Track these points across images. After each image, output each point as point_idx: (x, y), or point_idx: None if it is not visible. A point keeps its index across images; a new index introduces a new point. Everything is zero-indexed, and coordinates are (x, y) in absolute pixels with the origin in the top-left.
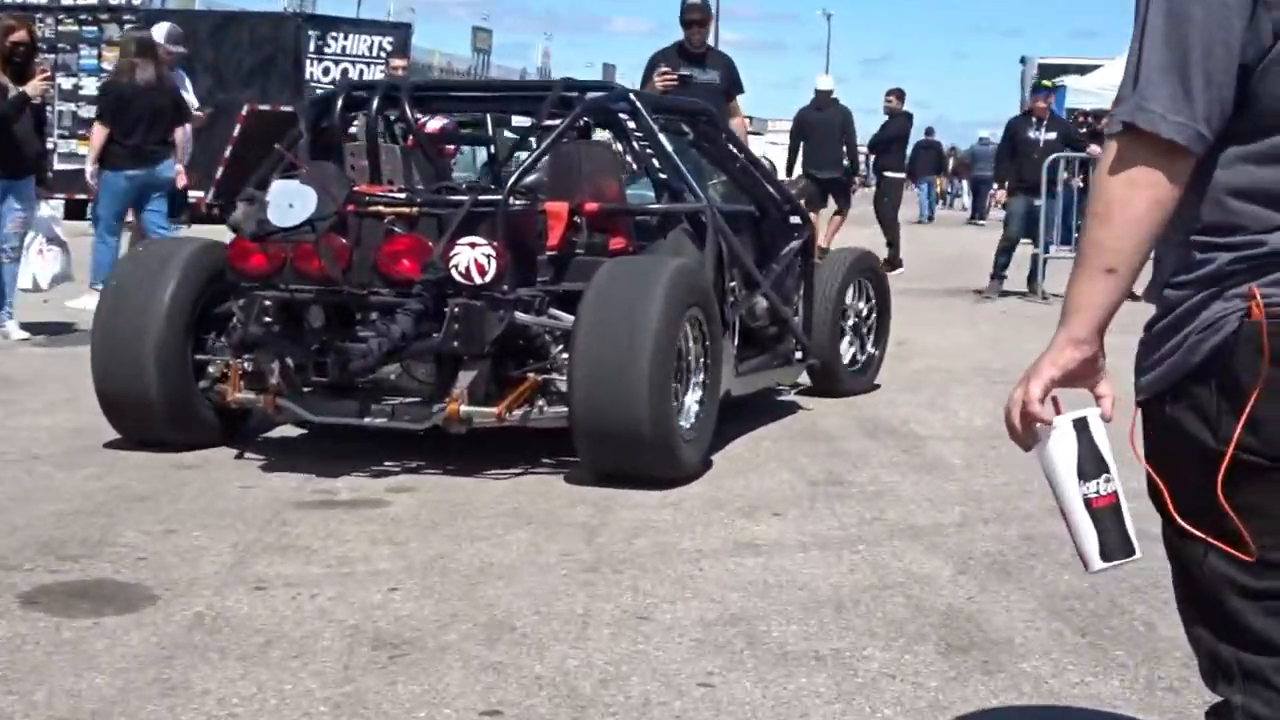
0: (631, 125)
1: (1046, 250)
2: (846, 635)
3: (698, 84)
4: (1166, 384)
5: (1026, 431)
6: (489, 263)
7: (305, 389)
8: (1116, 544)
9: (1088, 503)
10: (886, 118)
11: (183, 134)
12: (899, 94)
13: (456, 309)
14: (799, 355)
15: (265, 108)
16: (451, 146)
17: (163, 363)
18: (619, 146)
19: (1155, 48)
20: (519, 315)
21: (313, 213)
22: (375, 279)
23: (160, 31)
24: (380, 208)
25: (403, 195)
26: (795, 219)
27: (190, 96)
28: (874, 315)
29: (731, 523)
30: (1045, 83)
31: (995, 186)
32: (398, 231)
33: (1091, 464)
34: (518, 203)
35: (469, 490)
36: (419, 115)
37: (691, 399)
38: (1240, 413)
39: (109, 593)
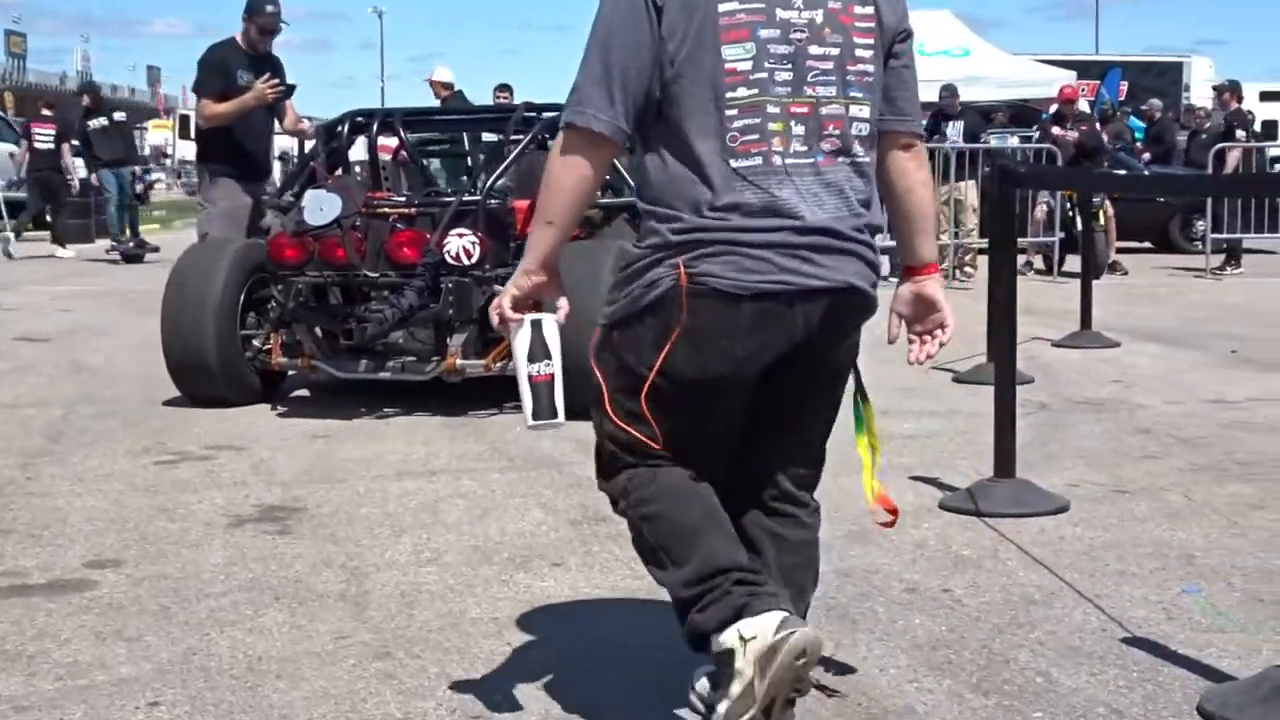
0: None
1: None
2: None
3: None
4: (618, 318)
5: (503, 327)
6: (474, 248)
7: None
8: (546, 410)
9: (531, 378)
10: None
11: None
12: (506, 88)
13: (450, 285)
14: None
15: None
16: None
17: (219, 336)
18: None
19: (589, 68)
20: (498, 288)
21: (339, 214)
22: (385, 264)
23: None
24: (387, 209)
25: (403, 199)
26: None
27: None
28: None
29: (511, 579)
30: None
31: None
32: (401, 227)
33: (539, 351)
34: (493, 202)
35: (183, 559)
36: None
37: None
38: (661, 350)
39: None
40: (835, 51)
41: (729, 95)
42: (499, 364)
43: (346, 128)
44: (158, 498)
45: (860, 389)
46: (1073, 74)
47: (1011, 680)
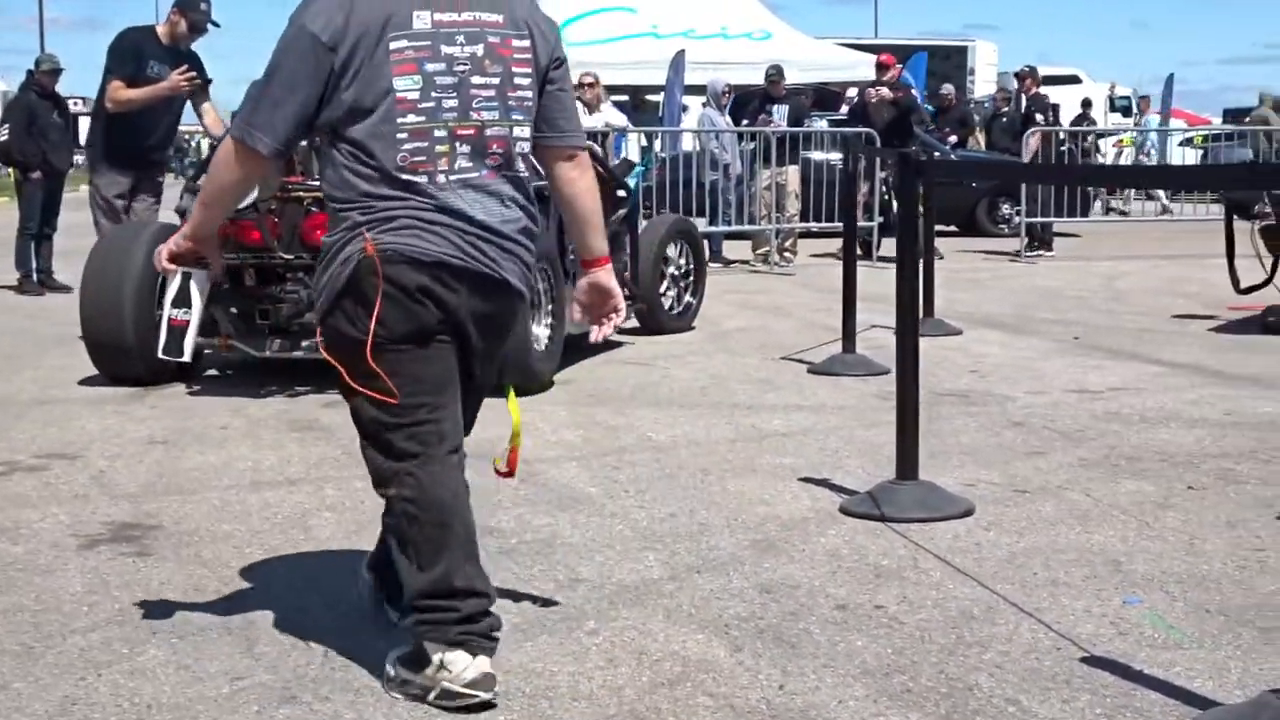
0: None
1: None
2: None
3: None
4: (329, 304)
5: (165, 270)
6: None
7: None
8: (175, 349)
9: (170, 319)
10: None
11: None
12: None
13: None
14: (628, 300)
15: None
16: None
17: (137, 316)
18: None
19: (264, 95)
20: None
21: (255, 197)
22: (299, 247)
23: None
24: (301, 193)
25: (316, 183)
26: (620, 192)
27: None
28: (691, 268)
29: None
30: None
31: None
32: (315, 210)
33: (183, 299)
34: None
35: (36, 588)
36: None
37: (542, 330)
38: (371, 312)
39: None
40: (496, 80)
41: (400, 121)
42: None
43: None
44: None
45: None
46: (873, 57)
47: (982, 711)
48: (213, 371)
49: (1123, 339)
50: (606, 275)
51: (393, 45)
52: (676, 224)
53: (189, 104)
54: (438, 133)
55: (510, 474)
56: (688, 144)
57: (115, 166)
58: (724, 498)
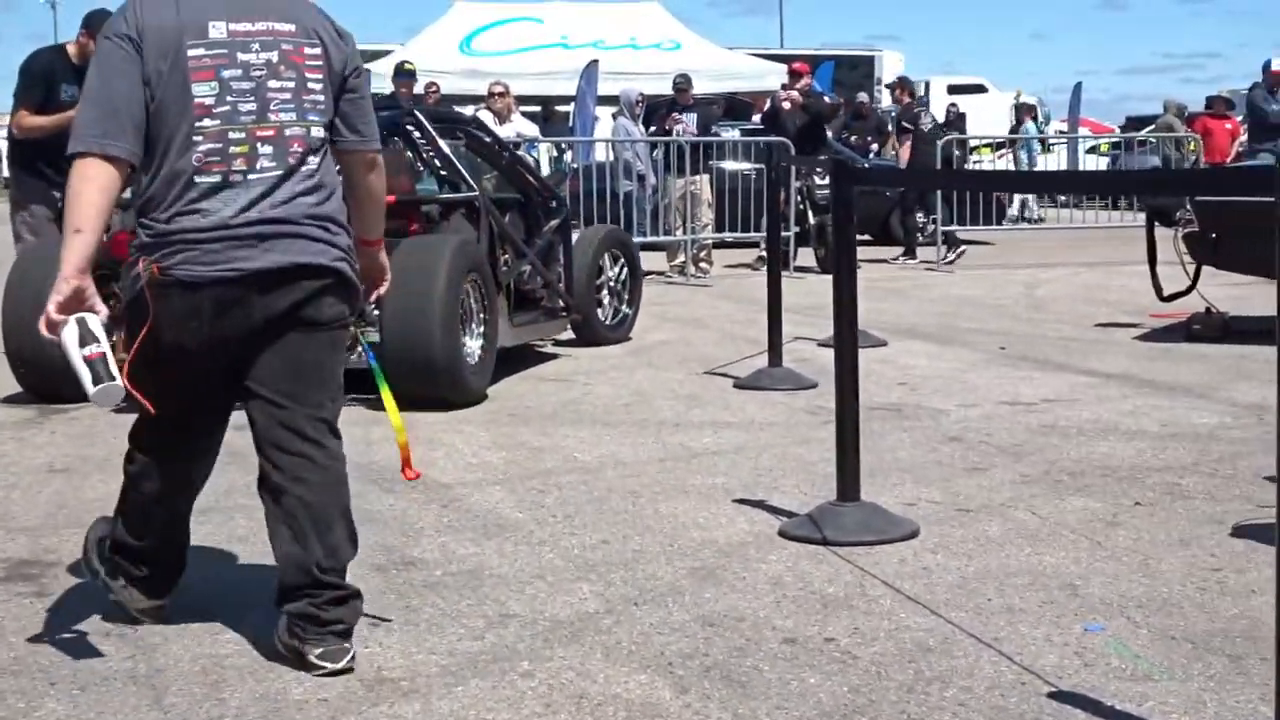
0: (417, 135)
1: None
2: None
3: None
4: (125, 304)
5: (51, 330)
6: None
7: None
8: (105, 375)
9: (85, 357)
10: None
11: None
12: None
13: None
14: (563, 312)
15: None
16: None
17: None
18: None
19: (98, 104)
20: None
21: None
22: None
23: None
24: None
25: None
26: (554, 203)
27: None
28: (626, 279)
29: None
30: None
31: None
32: None
33: (89, 337)
34: None
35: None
36: None
37: (474, 343)
38: (143, 328)
39: None
40: (291, 85)
41: (197, 124)
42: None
43: None
44: None
45: (372, 370)
46: (783, 67)
47: None
48: (26, 412)
49: (1049, 349)
50: (381, 253)
51: (190, 53)
52: (611, 234)
53: None
54: (234, 135)
55: (418, 476)
56: (600, 154)
57: (36, 187)
58: (657, 522)
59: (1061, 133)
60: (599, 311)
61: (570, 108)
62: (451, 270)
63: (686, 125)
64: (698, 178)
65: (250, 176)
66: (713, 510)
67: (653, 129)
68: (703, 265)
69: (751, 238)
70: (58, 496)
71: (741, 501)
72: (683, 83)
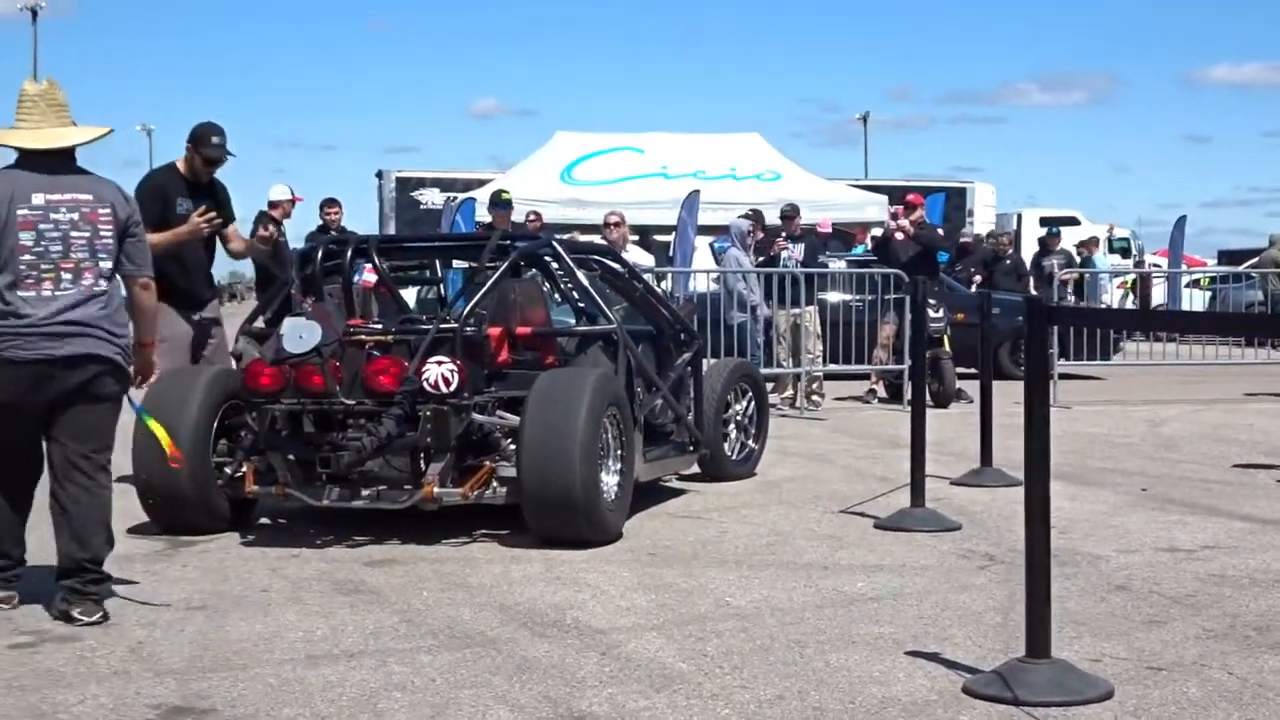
0: (554, 266)
1: None
2: None
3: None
4: None
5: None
6: (453, 376)
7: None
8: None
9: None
10: None
11: None
12: (335, 203)
13: (429, 413)
14: (691, 447)
15: None
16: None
17: (192, 462)
18: (547, 284)
19: None
20: (476, 416)
21: (319, 342)
22: (361, 392)
23: None
24: (363, 336)
25: (379, 326)
26: (684, 335)
27: None
28: (754, 413)
29: None
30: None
31: None
32: (377, 354)
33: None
34: (470, 329)
35: None
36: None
37: (611, 479)
38: None
39: None
40: (88, 234)
41: (22, 259)
42: (476, 492)
43: (320, 254)
44: (27, 697)
45: (139, 416)
46: (884, 198)
47: None
48: (264, 520)
49: (1193, 491)
50: (153, 353)
51: (19, 212)
52: (739, 367)
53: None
54: (44, 266)
55: (178, 456)
56: (701, 285)
57: (163, 304)
58: (830, 675)
59: (1157, 266)
60: (725, 446)
61: (670, 238)
62: (593, 404)
63: (794, 254)
64: (804, 309)
65: (56, 293)
66: (886, 663)
67: (760, 259)
68: (814, 398)
69: (858, 369)
70: (200, 636)
71: (914, 654)
72: (790, 211)
